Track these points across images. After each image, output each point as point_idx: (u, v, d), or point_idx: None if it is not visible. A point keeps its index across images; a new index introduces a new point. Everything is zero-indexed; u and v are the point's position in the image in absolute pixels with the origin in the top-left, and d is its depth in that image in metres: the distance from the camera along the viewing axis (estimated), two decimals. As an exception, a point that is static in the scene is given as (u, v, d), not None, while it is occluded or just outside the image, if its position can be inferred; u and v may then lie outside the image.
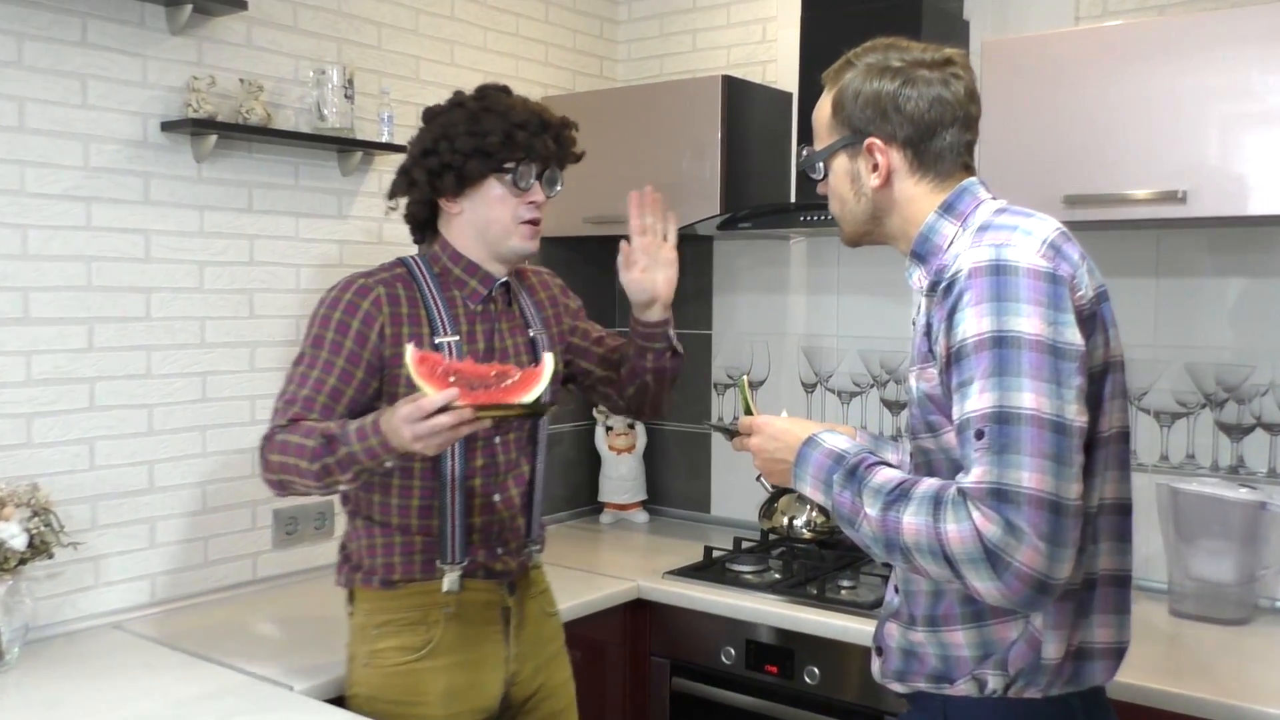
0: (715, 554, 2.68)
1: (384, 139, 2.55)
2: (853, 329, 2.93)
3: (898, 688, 1.50)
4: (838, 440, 1.43)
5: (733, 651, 2.39)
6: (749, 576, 2.52)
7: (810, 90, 2.64)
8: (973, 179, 1.45)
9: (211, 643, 2.08)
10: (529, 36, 3.06)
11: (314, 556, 2.56)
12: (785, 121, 2.92)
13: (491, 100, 1.82)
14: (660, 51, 3.27)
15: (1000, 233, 1.32)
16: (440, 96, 2.75)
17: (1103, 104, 2.17)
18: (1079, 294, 1.30)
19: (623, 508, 3.21)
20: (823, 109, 1.50)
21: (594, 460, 3.26)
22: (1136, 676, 1.87)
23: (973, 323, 1.25)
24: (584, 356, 2.06)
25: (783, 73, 2.99)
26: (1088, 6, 2.55)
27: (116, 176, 2.17)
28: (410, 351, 1.56)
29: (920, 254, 1.44)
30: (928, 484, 1.29)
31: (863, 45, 1.48)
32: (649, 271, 1.91)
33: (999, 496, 1.20)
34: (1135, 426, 2.36)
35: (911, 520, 1.26)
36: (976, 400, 1.24)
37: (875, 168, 1.44)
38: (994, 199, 1.45)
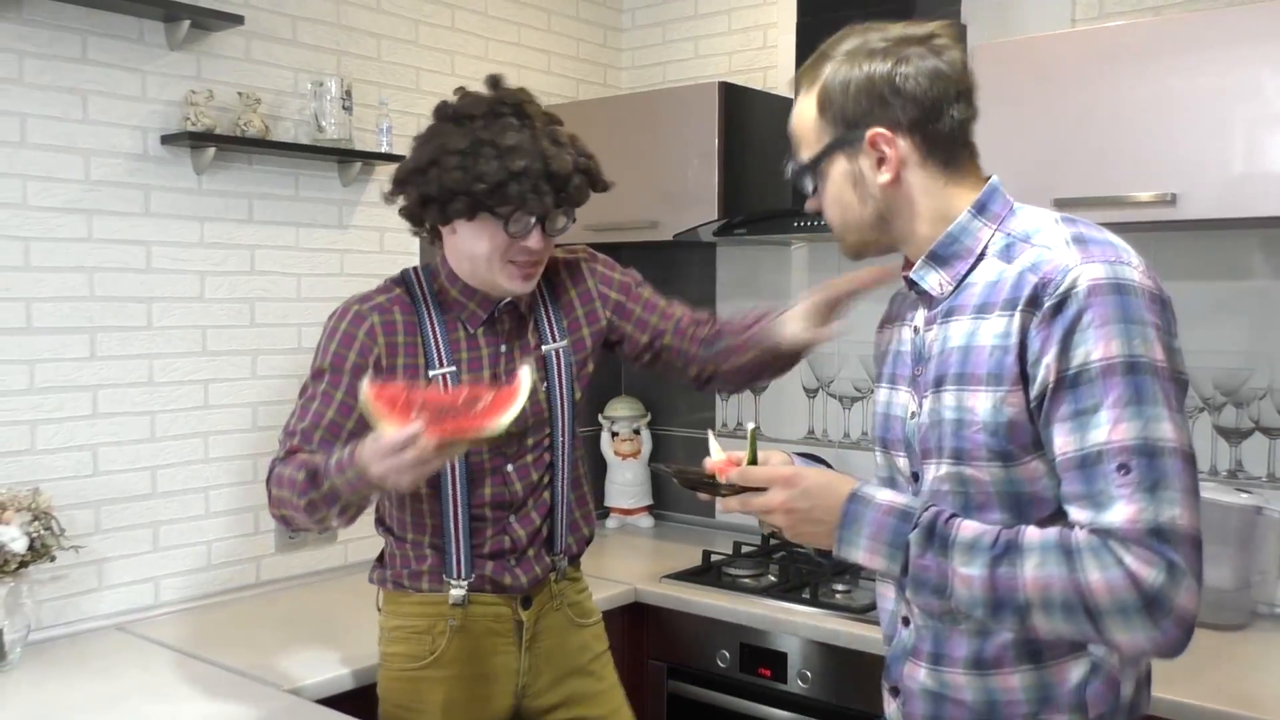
0: (714, 558, 2.69)
1: (383, 149, 2.59)
2: (853, 334, 2.92)
3: None
4: (887, 493, 1.27)
5: (727, 654, 2.40)
6: (746, 580, 2.53)
7: (807, 96, 2.66)
8: (994, 177, 1.34)
9: (211, 644, 2.12)
10: (531, 46, 3.10)
11: (317, 560, 2.60)
12: (785, 127, 2.91)
13: (500, 129, 1.64)
14: (663, 59, 3.29)
15: (1105, 247, 1.20)
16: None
17: (1095, 106, 2.16)
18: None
19: (628, 512, 3.23)
20: (805, 113, 1.33)
21: (600, 465, 3.28)
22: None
23: (1099, 346, 1.14)
24: (645, 329, 1.89)
25: (784, 78, 2.99)
26: (1084, 9, 2.54)
27: (117, 189, 2.22)
28: (365, 388, 1.45)
29: (943, 256, 1.30)
30: (1037, 533, 1.17)
31: (833, 37, 1.32)
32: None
33: (1160, 536, 1.11)
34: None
35: (1036, 574, 1.14)
36: (1111, 431, 1.12)
37: (881, 162, 1.28)
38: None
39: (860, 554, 1.23)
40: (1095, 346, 1.14)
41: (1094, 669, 1.24)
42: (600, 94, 3.29)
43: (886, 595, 1.41)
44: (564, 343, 1.84)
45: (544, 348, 1.82)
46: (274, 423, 2.49)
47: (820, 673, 2.25)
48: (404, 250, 2.73)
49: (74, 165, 2.16)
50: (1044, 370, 1.16)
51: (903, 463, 1.37)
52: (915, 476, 1.34)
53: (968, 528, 1.19)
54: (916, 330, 1.35)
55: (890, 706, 1.39)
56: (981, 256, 1.28)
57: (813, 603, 2.33)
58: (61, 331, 2.15)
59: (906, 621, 1.35)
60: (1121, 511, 1.12)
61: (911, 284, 1.36)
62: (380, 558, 1.90)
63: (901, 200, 1.30)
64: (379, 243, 2.70)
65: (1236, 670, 1.98)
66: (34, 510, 1.96)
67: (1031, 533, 1.17)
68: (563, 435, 1.84)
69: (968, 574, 1.17)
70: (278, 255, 2.50)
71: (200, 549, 2.39)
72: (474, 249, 1.70)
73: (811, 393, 2.93)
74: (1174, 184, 2.08)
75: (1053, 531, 1.16)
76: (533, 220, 1.66)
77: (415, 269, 1.82)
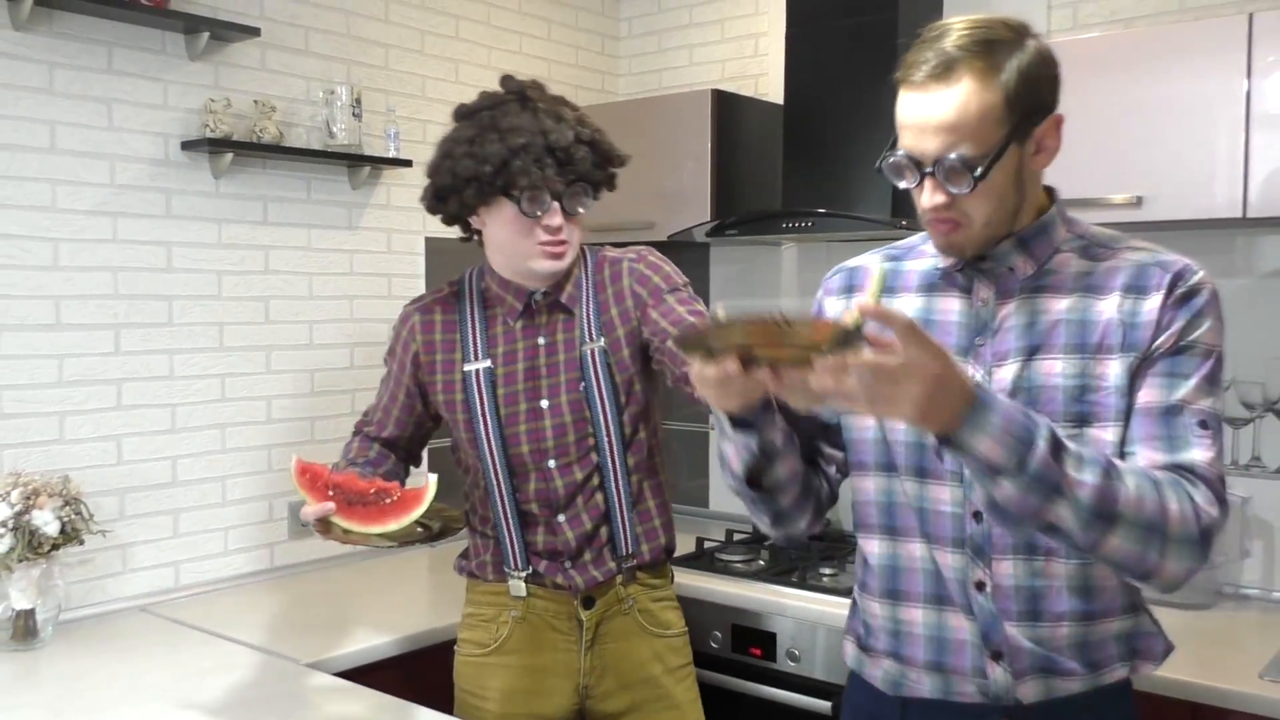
0: (707, 545, 2.81)
1: (390, 154, 2.71)
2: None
3: (1033, 692, 1.37)
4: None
5: (719, 635, 2.51)
6: (738, 565, 2.65)
7: (798, 101, 2.79)
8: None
9: (230, 624, 2.24)
10: (532, 54, 3.22)
11: (328, 547, 2.68)
12: (775, 132, 3.04)
13: (502, 114, 1.70)
14: (659, 66, 3.42)
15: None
16: (446, 115, 2.95)
17: (1068, 112, 2.25)
18: None
19: (625, 503, 3.33)
20: (979, 102, 1.25)
21: (598, 458, 3.39)
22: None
23: (1208, 334, 1.32)
24: (655, 333, 1.79)
25: (774, 85, 3.11)
26: (1059, 20, 2.66)
27: (140, 193, 2.34)
28: (294, 462, 1.67)
29: (1029, 241, 1.36)
30: (1130, 463, 1.29)
31: (964, 21, 1.30)
32: None
33: (1222, 483, 1.29)
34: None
35: (1132, 493, 1.21)
36: (1195, 395, 1.30)
37: (1039, 150, 1.33)
38: None
39: (985, 441, 1.15)
40: (1205, 333, 1.32)
41: (1150, 618, 1.43)
42: (598, 100, 3.41)
43: (946, 563, 1.38)
44: (602, 342, 1.81)
45: (583, 347, 1.80)
46: (287, 415, 2.62)
47: (809, 651, 2.37)
48: (410, 251, 2.85)
49: (100, 170, 2.28)
50: (1165, 337, 1.32)
51: None
52: None
53: (1070, 440, 1.22)
54: (985, 303, 1.38)
55: (994, 670, 1.37)
56: (1057, 250, 1.38)
57: (801, 585, 2.45)
58: (88, 328, 2.27)
59: (981, 586, 1.36)
60: (1200, 454, 1.28)
61: (976, 261, 1.38)
62: (465, 550, 1.98)
63: (1032, 188, 1.37)
64: (386, 243, 2.82)
65: (1205, 645, 2.09)
66: (65, 496, 2.07)
67: (1123, 461, 1.28)
68: (608, 437, 1.81)
69: (1080, 479, 1.19)
70: (291, 255, 2.62)
71: (218, 535, 2.51)
72: (499, 236, 1.75)
73: (801, 387, 3.04)
74: (1140, 187, 2.20)
75: (1139, 465, 1.28)
76: (548, 199, 1.70)
77: (472, 270, 1.89)
